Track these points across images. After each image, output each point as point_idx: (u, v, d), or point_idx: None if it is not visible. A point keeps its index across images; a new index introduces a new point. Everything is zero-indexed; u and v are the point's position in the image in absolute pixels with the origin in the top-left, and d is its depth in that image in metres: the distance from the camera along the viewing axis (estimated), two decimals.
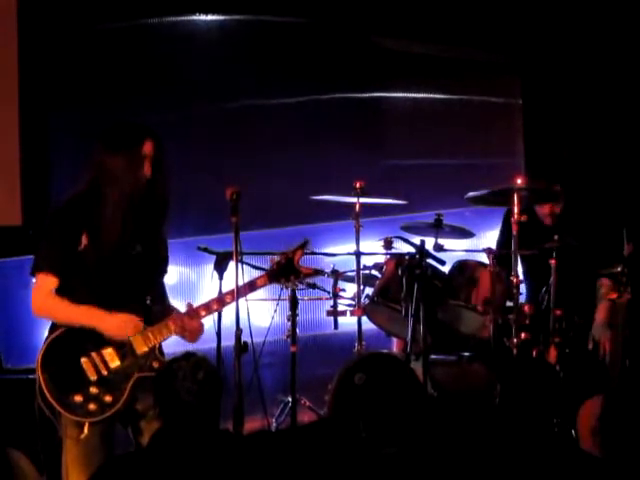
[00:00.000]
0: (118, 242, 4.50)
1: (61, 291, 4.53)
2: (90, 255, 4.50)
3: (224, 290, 5.11)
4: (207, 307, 4.65)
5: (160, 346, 4.58)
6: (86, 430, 4.41)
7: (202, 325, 4.63)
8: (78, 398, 4.42)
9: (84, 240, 4.49)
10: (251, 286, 4.69)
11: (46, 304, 4.53)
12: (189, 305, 4.64)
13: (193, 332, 4.60)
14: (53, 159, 6.99)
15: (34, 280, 4.55)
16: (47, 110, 6.81)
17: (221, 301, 4.68)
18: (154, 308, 4.60)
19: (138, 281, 4.57)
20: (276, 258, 4.73)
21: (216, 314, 5.09)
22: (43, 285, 4.52)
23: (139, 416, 4.53)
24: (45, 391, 4.41)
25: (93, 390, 4.44)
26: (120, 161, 4.52)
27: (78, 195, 4.57)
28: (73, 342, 4.47)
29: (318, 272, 4.80)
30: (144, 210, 4.59)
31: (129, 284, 4.54)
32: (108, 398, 4.45)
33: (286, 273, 4.72)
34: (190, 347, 5.12)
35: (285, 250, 4.74)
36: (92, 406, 4.42)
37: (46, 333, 4.58)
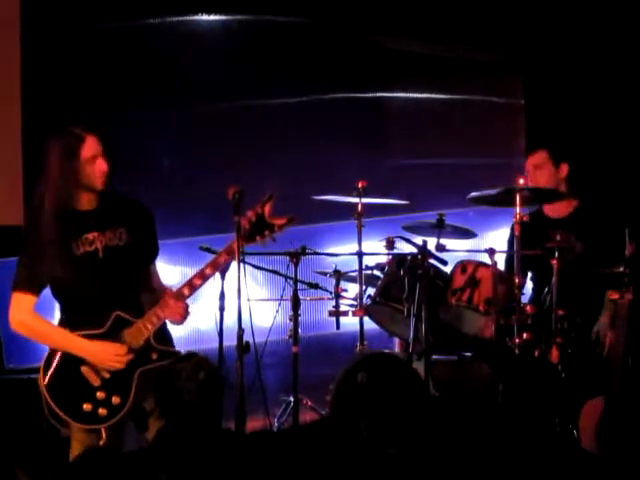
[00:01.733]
0: (74, 248, 4.51)
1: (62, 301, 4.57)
2: (60, 264, 4.49)
3: (225, 289, 5.10)
4: (190, 285, 4.59)
5: (162, 331, 4.58)
6: (104, 436, 4.41)
7: (187, 306, 4.58)
8: (87, 406, 4.42)
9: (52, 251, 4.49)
10: (228, 253, 4.60)
11: (23, 323, 4.54)
12: (170, 289, 4.61)
13: (180, 314, 4.57)
14: None
15: (12, 296, 4.56)
16: (49, 110, 6.80)
17: (202, 275, 4.60)
18: (142, 298, 4.59)
19: (117, 276, 4.55)
20: (246, 217, 4.60)
21: (218, 314, 5.08)
22: (19, 303, 4.53)
23: (147, 414, 4.53)
24: (54, 407, 4.42)
25: (100, 395, 4.44)
26: (61, 174, 4.47)
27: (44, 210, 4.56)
28: (69, 353, 4.47)
29: (292, 220, 4.66)
30: (111, 199, 4.61)
31: (108, 282, 4.53)
32: (116, 399, 4.45)
33: (260, 229, 4.60)
34: (192, 347, 5.13)
35: (253, 207, 4.61)
36: (102, 411, 4.43)
37: None
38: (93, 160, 4.49)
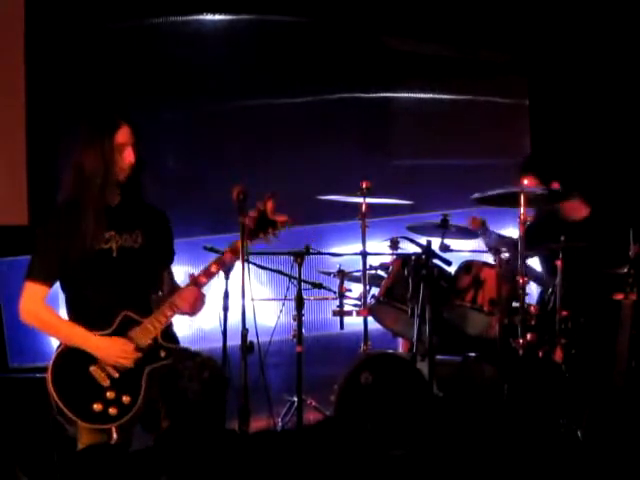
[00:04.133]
0: (96, 242, 4.50)
1: (69, 298, 4.57)
2: (77, 259, 4.49)
3: (229, 289, 5.11)
4: (207, 272, 4.59)
5: (169, 330, 4.57)
6: (115, 435, 4.40)
7: (202, 295, 4.58)
8: (97, 406, 4.40)
9: (70, 245, 4.48)
10: (234, 251, 4.61)
11: (33, 313, 4.53)
12: (190, 275, 4.61)
13: (192, 304, 4.56)
14: (60, 158, 6.99)
15: (23, 285, 4.55)
16: (54, 108, 6.81)
17: (207, 272, 4.60)
18: (153, 297, 4.59)
19: (129, 277, 4.55)
20: (250, 215, 4.59)
21: (222, 314, 5.08)
22: (31, 293, 4.52)
23: (158, 414, 4.51)
24: (62, 407, 4.39)
25: (110, 395, 4.43)
26: (93, 157, 4.48)
27: (64, 201, 4.57)
28: (78, 353, 4.46)
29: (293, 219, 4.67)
30: (132, 200, 4.60)
31: (118, 282, 4.52)
32: (126, 399, 4.43)
33: (263, 227, 4.61)
34: (196, 346, 5.13)
35: (257, 205, 4.61)
36: (113, 410, 4.41)
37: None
38: (123, 148, 4.51)
